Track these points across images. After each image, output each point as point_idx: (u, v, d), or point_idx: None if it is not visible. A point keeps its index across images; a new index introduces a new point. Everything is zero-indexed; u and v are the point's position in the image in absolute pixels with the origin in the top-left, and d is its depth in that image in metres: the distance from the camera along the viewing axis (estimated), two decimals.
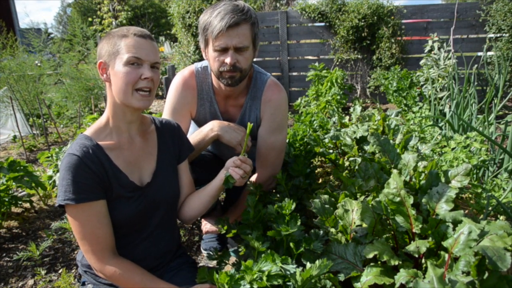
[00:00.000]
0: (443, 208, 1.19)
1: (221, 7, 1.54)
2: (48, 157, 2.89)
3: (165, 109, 1.80)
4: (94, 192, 1.19)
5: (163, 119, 1.48)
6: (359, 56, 5.69)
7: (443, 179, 1.43)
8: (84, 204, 1.18)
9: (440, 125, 3.06)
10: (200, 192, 1.49)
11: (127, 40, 1.22)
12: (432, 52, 4.71)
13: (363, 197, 1.51)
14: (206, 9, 1.60)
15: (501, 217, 1.69)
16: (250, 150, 1.97)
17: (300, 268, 1.12)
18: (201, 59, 5.70)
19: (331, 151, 2.17)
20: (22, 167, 2.42)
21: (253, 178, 1.82)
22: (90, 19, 16.15)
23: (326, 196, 1.46)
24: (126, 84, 1.22)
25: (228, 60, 1.55)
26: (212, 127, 1.68)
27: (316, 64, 5.21)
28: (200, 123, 1.87)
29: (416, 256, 1.10)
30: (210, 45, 1.58)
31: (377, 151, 1.76)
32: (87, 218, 1.19)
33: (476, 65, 5.13)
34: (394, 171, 1.28)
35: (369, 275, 1.08)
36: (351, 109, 2.98)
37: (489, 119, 2.68)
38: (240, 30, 1.53)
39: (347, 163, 2.08)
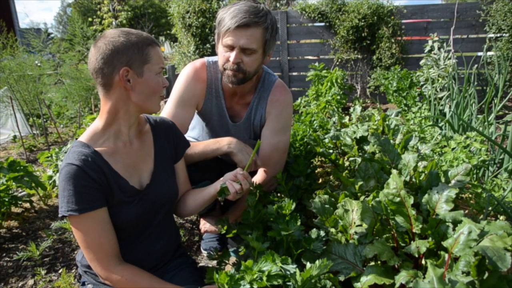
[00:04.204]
0: (443, 208, 1.19)
1: (238, 5, 1.55)
2: (48, 157, 2.89)
3: (170, 99, 1.77)
4: (96, 200, 1.18)
5: (157, 118, 1.47)
6: (359, 56, 5.69)
7: (443, 179, 1.43)
8: (87, 214, 1.16)
9: (440, 125, 3.06)
10: (195, 193, 1.49)
11: (154, 49, 1.23)
12: (432, 52, 4.71)
13: (363, 197, 1.51)
14: (228, 5, 1.62)
15: (501, 217, 1.69)
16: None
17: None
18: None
19: (331, 151, 2.17)
20: (22, 167, 2.42)
21: (255, 178, 1.82)
22: (90, 19, 16.17)
23: (326, 196, 1.46)
24: (156, 93, 1.26)
25: (231, 58, 1.57)
26: (229, 144, 1.66)
27: (316, 64, 5.21)
28: (205, 117, 1.87)
29: (416, 256, 1.10)
30: (220, 40, 1.60)
31: (377, 151, 1.76)
32: (91, 226, 1.18)
33: (476, 65, 5.13)
34: (394, 171, 1.28)
35: (369, 275, 1.07)
36: (351, 109, 2.98)
37: (489, 119, 2.68)
38: (249, 32, 1.53)
39: (347, 163, 2.08)
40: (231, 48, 1.57)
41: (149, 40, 1.23)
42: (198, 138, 2.02)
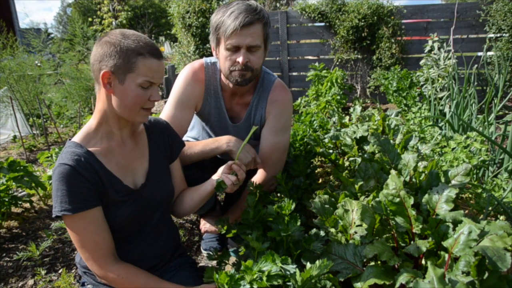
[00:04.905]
0: (443, 208, 1.19)
1: (234, 7, 1.55)
2: (48, 157, 2.89)
3: (169, 100, 1.77)
4: (90, 200, 1.18)
5: (151, 118, 1.46)
6: (359, 56, 5.69)
7: (443, 179, 1.43)
8: (81, 213, 1.16)
9: (440, 125, 3.06)
10: (192, 191, 1.49)
11: (144, 61, 1.16)
12: (432, 52, 4.71)
13: (363, 197, 1.51)
14: (218, 9, 1.61)
15: (501, 217, 1.69)
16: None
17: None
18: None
19: (331, 151, 2.17)
20: (22, 167, 2.42)
21: (255, 178, 1.82)
22: (90, 19, 16.15)
23: (326, 196, 1.46)
24: (135, 104, 1.21)
25: (240, 59, 1.57)
26: (228, 142, 1.67)
27: (316, 64, 5.21)
28: (204, 117, 1.87)
29: (416, 256, 1.10)
30: (222, 44, 1.59)
31: (377, 151, 1.76)
32: (85, 226, 1.18)
33: (476, 65, 5.13)
34: (393, 171, 1.28)
35: (369, 275, 1.07)
36: (351, 109, 2.98)
37: (489, 119, 2.68)
38: (252, 30, 1.54)
39: (347, 163, 2.08)
40: (236, 49, 1.57)
41: (145, 49, 1.17)
42: (198, 138, 2.02)
